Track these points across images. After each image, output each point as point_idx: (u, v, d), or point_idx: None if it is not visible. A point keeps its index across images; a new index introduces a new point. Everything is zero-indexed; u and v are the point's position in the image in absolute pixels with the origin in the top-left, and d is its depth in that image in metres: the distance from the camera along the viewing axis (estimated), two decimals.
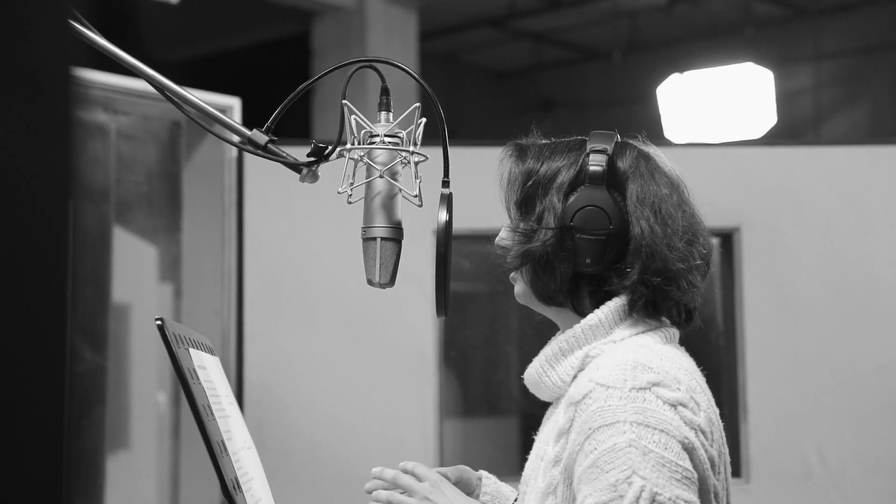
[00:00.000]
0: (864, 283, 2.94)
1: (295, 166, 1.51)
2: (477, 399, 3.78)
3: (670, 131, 6.78)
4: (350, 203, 1.52)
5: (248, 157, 2.83)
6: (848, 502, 2.89)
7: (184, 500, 2.99)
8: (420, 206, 1.50)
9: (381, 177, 1.48)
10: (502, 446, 3.82)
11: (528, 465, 1.64)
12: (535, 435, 1.67)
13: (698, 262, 1.57)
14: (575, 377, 1.55)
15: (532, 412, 3.85)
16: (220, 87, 3.03)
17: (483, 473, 1.82)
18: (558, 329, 1.66)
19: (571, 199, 1.56)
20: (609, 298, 1.57)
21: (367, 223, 1.50)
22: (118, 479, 3.04)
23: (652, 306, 1.56)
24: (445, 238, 1.47)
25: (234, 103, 2.93)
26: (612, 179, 1.57)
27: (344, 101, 1.48)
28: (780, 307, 2.94)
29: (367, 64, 1.50)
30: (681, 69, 6.91)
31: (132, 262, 3.12)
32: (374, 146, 1.49)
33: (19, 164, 0.59)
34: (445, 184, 1.51)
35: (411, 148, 1.50)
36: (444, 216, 1.47)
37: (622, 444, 1.40)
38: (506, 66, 9.71)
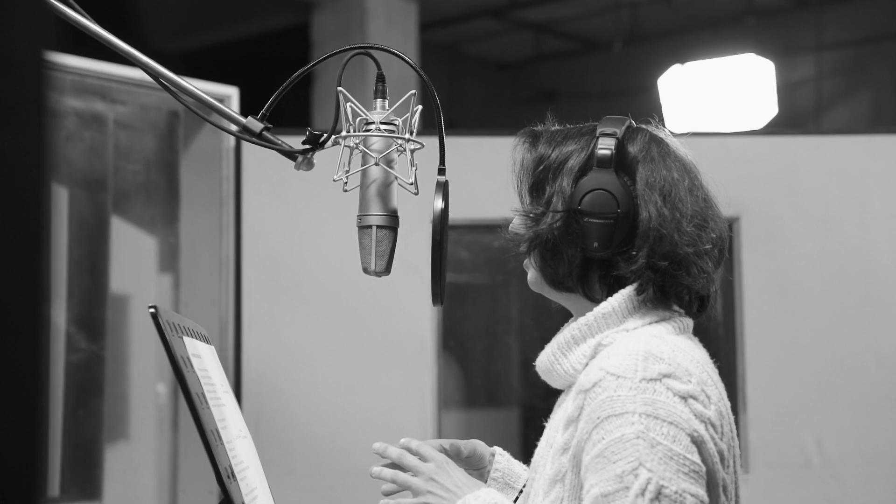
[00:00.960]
0: (864, 272, 2.94)
1: (290, 154, 1.51)
2: (477, 389, 3.78)
3: (672, 122, 6.77)
4: (346, 191, 1.52)
5: (245, 146, 2.82)
6: (847, 491, 2.88)
7: (182, 491, 2.99)
8: (416, 193, 1.50)
9: (376, 164, 1.48)
10: (503, 436, 3.82)
11: (537, 451, 1.63)
12: (546, 422, 1.66)
13: (707, 247, 1.55)
14: (587, 365, 1.54)
15: (532, 403, 3.85)
16: (221, 78, 3.02)
17: (497, 450, 1.81)
18: (563, 320, 1.65)
19: (581, 183, 1.56)
20: (619, 284, 1.56)
21: (363, 211, 1.49)
22: (117, 470, 3.04)
23: (661, 292, 1.55)
24: (441, 226, 1.46)
25: (231, 92, 2.93)
26: (622, 163, 1.56)
27: (339, 89, 1.47)
28: (779, 296, 2.94)
29: (362, 51, 1.49)
30: (682, 60, 6.89)
31: (131, 252, 3.12)
32: (369, 133, 1.48)
33: None
34: (441, 171, 1.50)
35: (406, 135, 1.49)
36: (439, 203, 1.46)
37: (630, 435, 1.39)
38: (506, 56, 9.69)
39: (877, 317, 2.93)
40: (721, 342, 3.00)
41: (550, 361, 1.60)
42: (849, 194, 2.96)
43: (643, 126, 1.65)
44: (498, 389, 3.83)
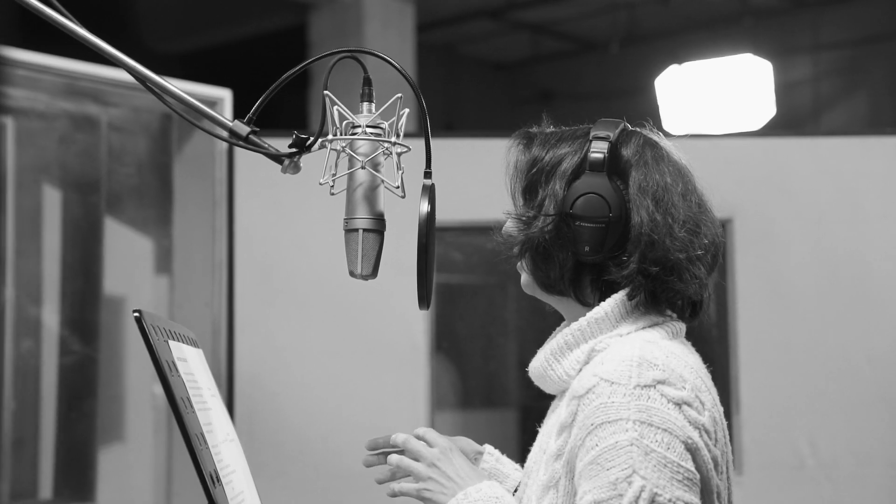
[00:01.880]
0: (857, 273, 2.94)
1: (277, 157, 1.50)
2: (472, 391, 3.78)
3: (669, 123, 6.76)
4: (333, 194, 1.51)
5: (238, 149, 2.82)
6: (840, 493, 2.88)
7: (177, 493, 2.98)
8: (403, 197, 1.50)
9: (362, 168, 1.48)
10: (499, 438, 3.81)
11: (530, 456, 1.63)
12: (539, 426, 1.65)
13: (700, 253, 1.54)
14: (580, 371, 1.53)
15: (528, 404, 3.85)
16: (217, 80, 3.01)
17: (487, 448, 1.80)
18: (556, 321, 1.65)
19: (573, 186, 1.55)
20: (610, 288, 1.55)
21: (349, 214, 1.49)
22: (111, 472, 3.04)
23: (652, 297, 1.54)
24: (427, 229, 1.46)
25: (224, 95, 2.92)
26: (615, 167, 1.55)
27: (325, 92, 1.47)
28: (772, 298, 2.94)
29: (349, 54, 1.49)
30: (679, 60, 6.88)
31: (125, 255, 3.12)
32: (355, 137, 1.48)
33: None
34: (427, 174, 1.50)
35: (392, 139, 1.49)
36: (425, 207, 1.46)
37: (624, 442, 1.39)
38: (503, 57, 9.69)
39: (870, 318, 2.93)
40: (714, 343, 3.00)
41: (544, 367, 1.59)
42: (842, 196, 2.96)
43: (638, 129, 1.64)
44: (493, 390, 3.83)
